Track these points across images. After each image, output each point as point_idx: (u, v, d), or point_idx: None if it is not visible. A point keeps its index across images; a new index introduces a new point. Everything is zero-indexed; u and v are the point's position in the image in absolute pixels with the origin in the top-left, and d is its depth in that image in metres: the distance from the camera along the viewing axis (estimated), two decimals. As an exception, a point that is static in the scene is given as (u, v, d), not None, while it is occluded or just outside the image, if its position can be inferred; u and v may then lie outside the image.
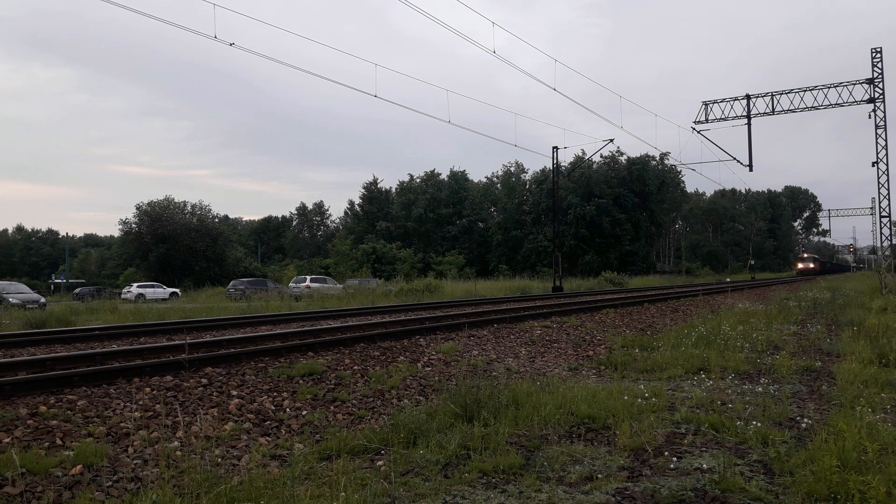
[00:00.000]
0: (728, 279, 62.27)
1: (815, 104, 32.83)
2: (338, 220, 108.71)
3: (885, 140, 30.69)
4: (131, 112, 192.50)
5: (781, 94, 33.70)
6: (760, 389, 7.59)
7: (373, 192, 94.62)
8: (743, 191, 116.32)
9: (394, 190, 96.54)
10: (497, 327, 13.41)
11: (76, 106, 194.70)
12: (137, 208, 68.66)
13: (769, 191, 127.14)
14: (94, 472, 4.89)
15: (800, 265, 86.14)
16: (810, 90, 33.04)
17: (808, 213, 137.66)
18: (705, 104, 35.63)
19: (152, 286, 47.90)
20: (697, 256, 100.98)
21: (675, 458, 4.99)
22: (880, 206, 31.68)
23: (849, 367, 8.24)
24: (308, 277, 40.99)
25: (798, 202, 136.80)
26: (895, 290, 25.91)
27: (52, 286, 78.13)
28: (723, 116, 35.06)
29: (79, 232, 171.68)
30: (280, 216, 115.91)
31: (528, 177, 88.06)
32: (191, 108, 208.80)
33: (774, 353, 10.54)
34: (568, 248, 72.79)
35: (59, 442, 5.41)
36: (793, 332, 13.56)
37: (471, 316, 15.25)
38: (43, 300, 31.30)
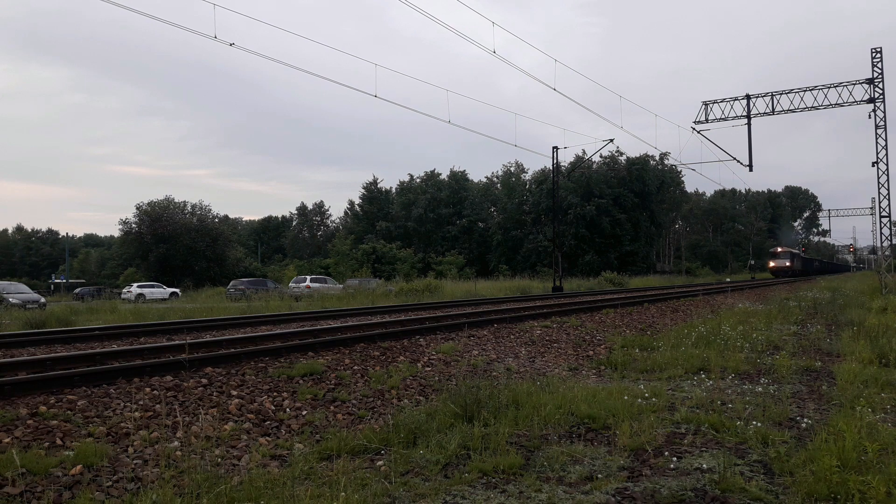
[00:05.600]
0: (728, 279, 62.24)
1: (815, 104, 32.84)
2: (338, 220, 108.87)
3: (885, 140, 30.69)
4: (129, 112, 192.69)
5: (781, 94, 33.71)
6: (760, 389, 7.59)
7: (373, 192, 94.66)
8: (743, 191, 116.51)
9: (394, 190, 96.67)
10: (497, 327, 13.41)
11: (74, 106, 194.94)
12: (137, 208, 68.84)
13: (769, 191, 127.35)
14: (94, 472, 4.89)
15: (772, 263, 67.90)
16: (810, 90, 33.04)
17: (808, 213, 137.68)
18: (705, 104, 35.64)
19: (152, 286, 47.88)
20: (697, 256, 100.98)
21: (675, 458, 4.99)
22: (880, 206, 31.69)
23: (849, 367, 8.24)
24: (308, 277, 40.97)
25: (798, 202, 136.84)
26: (895, 290, 25.91)
27: (52, 286, 78.15)
28: (723, 116, 35.07)
29: (79, 232, 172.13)
30: (280, 216, 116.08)
31: (528, 177, 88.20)
32: (189, 107, 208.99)
33: (774, 353, 10.54)
34: (568, 248, 72.80)
35: (59, 442, 5.41)
36: (793, 332, 13.56)
37: (471, 316, 15.25)
38: (43, 300, 31.30)
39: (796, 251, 74.98)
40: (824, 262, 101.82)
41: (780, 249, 70.28)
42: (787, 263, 65.75)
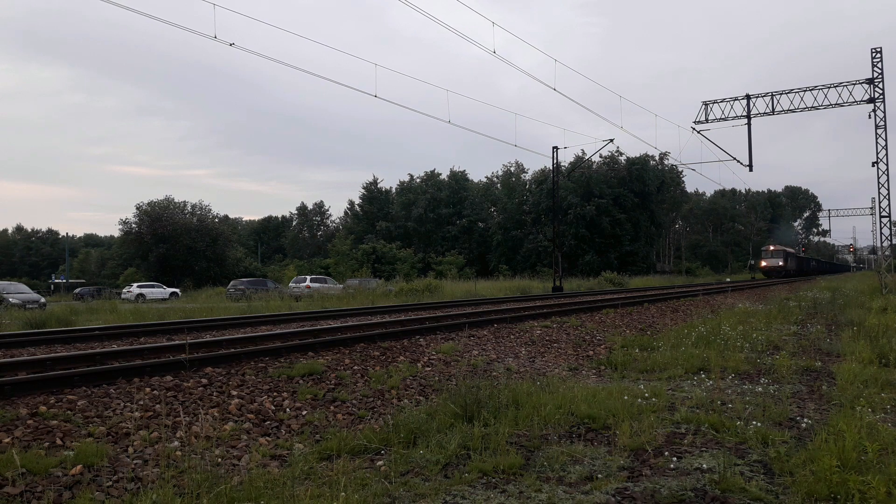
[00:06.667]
0: (728, 279, 62.14)
1: (815, 104, 32.84)
2: (338, 220, 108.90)
3: (885, 140, 30.69)
4: (129, 112, 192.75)
5: (781, 94, 33.71)
6: (760, 389, 7.59)
7: (373, 192, 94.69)
8: (743, 191, 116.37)
9: (394, 190, 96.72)
10: (497, 327, 13.41)
11: (74, 106, 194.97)
12: (137, 208, 68.83)
13: (769, 191, 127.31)
14: (94, 472, 4.89)
15: (763, 263, 62.08)
16: (810, 90, 33.04)
17: (808, 213, 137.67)
18: (705, 104, 35.64)
19: (152, 286, 47.88)
20: (697, 256, 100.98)
21: (675, 458, 4.99)
22: (880, 206, 31.69)
23: (849, 367, 8.24)
24: (308, 277, 40.97)
25: (798, 202, 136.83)
26: (895, 290, 25.91)
27: (52, 286, 78.11)
28: (723, 116, 35.07)
29: (79, 232, 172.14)
30: (280, 216, 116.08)
31: (528, 177, 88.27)
32: (189, 107, 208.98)
33: (774, 353, 10.54)
34: (568, 248, 72.80)
35: (59, 442, 5.41)
36: (793, 332, 13.56)
37: (471, 316, 15.24)
38: (43, 300, 31.27)
39: (791, 249, 69.80)
40: (822, 262, 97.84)
41: (772, 247, 64.45)
42: (780, 263, 60.64)
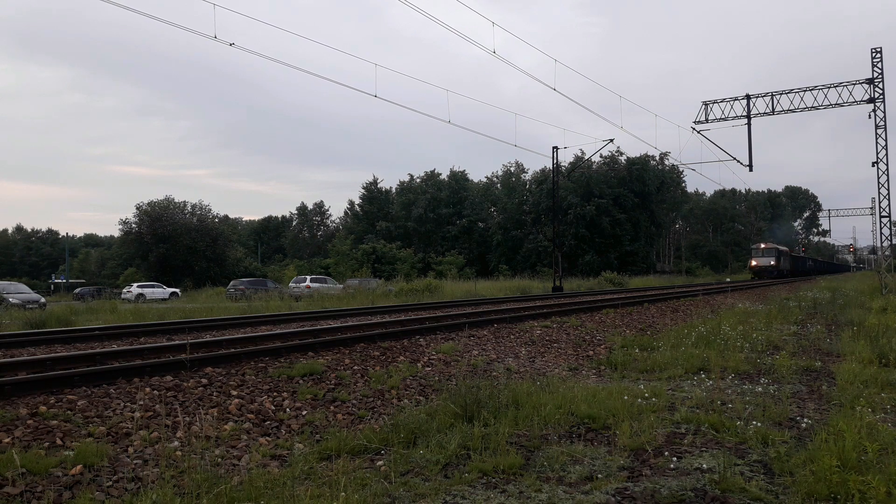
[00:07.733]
0: (728, 279, 62.07)
1: (815, 104, 32.84)
2: (338, 220, 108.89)
3: (885, 140, 30.69)
4: (128, 112, 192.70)
5: (781, 94, 33.72)
6: (760, 389, 7.59)
7: (373, 192, 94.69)
8: (743, 191, 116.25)
9: (394, 190, 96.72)
10: (497, 327, 13.41)
11: (74, 106, 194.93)
12: (137, 208, 68.86)
13: (769, 191, 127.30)
14: (94, 472, 4.89)
15: (754, 262, 57.10)
16: (810, 90, 33.04)
17: (808, 213, 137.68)
18: (705, 104, 35.64)
19: (152, 286, 47.87)
20: (697, 256, 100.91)
21: (675, 458, 5.00)
22: (880, 206, 31.69)
23: (849, 367, 8.25)
24: (308, 277, 40.97)
25: (798, 202, 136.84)
26: (895, 290, 25.92)
27: (52, 286, 78.16)
28: (723, 116, 35.08)
29: (79, 232, 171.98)
30: (280, 216, 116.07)
31: (528, 177, 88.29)
32: (189, 107, 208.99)
33: (774, 353, 10.54)
34: (568, 248, 72.79)
35: (59, 442, 5.41)
36: (793, 332, 13.56)
37: (471, 316, 15.24)
38: (43, 300, 31.26)
39: (784, 248, 65.03)
40: (820, 262, 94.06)
41: (763, 245, 59.47)
42: (772, 262, 55.60)
